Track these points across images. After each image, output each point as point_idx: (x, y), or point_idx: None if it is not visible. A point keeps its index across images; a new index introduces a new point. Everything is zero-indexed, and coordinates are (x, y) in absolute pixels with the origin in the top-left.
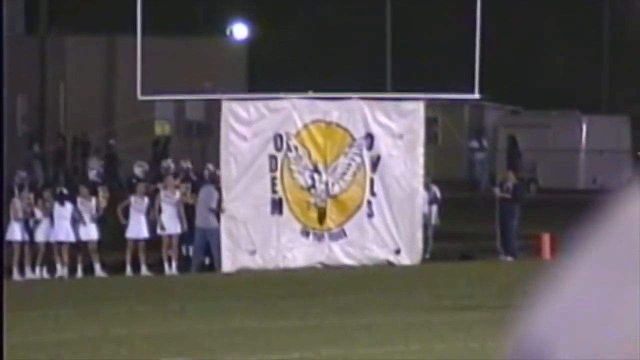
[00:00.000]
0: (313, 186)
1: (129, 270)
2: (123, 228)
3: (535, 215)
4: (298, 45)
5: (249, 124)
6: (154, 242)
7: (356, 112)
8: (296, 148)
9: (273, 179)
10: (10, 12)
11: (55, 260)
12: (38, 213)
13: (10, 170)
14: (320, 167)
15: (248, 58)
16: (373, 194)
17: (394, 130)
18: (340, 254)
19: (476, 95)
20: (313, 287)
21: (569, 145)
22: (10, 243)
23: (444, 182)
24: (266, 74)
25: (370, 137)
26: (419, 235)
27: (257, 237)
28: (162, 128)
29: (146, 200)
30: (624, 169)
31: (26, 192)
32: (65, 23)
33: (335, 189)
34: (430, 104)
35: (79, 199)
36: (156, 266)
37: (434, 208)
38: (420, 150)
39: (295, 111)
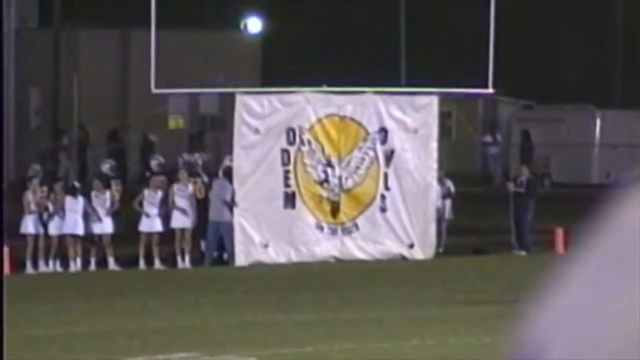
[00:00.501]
0: (326, 180)
1: (142, 263)
2: (136, 221)
3: (549, 209)
4: (312, 39)
5: (263, 118)
6: (167, 236)
7: (370, 106)
8: (309, 142)
9: (286, 172)
10: (23, 6)
11: (68, 254)
12: (51, 206)
13: (23, 163)
14: (334, 161)
15: (262, 52)
16: (387, 188)
17: (408, 125)
18: (353, 248)
19: (490, 90)
20: (326, 281)
21: (582, 139)
22: (24, 236)
23: (457, 177)
24: (280, 68)
25: (384, 131)
26: (433, 229)
27: (270, 230)
28: (175, 122)
29: (160, 193)
30: (638, 164)
31: (37, 185)
32: (79, 16)
33: (349, 183)
34: (444, 99)
35: (92, 193)
36: (169, 260)
37: (448, 202)
38: (434, 145)
39: (309, 105)
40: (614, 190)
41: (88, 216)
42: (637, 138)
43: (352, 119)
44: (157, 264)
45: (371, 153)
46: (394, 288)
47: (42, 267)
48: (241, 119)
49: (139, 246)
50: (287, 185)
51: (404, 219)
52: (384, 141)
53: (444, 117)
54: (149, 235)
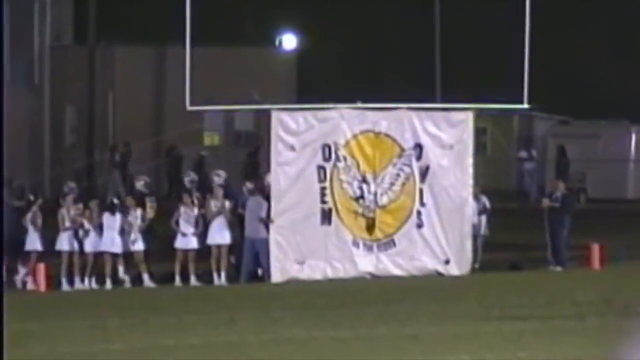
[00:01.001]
0: (362, 196)
1: (178, 280)
2: (172, 238)
3: (585, 225)
4: (347, 55)
5: (298, 134)
6: (203, 253)
7: (405, 122)
8: (345, 158)
9: (322, 189)
10: (58, 23)
11: (104, 272)
12: (86, 223)
13: (58, 180)
14: (369, 177)
15: (297, 68)
16: (422, 204)
17: (444, 141)
18: (389, 264)
19: (525, 106)
20: (362, 298)
21: (618, 155)
22: (59, 253)
23: (493, 193)
24: (315, 84)
25: (419, 147)
26: (468, 245)
27: (306, 247)
28: (211, 138)
29: (195, 210)
30: None
31: (71, 202)
32: (115, 33)
33: (384, 200)
34: (479, 114)
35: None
36: (205, 276)
37: (483, 218)
38: (470, 161)
39: (344, 121)
40: None
41: (124, 233)
42: None
43: (387, 135)
44: (193, 280)
45: (406, 169)
46: (430, 304)
47: (77, 284)
48: (277, 136)
49: (174, 263)
50: (323, 201)
51: (439, 235)
52: (419, 157)
53: (480, 133)
54: (185, 252)
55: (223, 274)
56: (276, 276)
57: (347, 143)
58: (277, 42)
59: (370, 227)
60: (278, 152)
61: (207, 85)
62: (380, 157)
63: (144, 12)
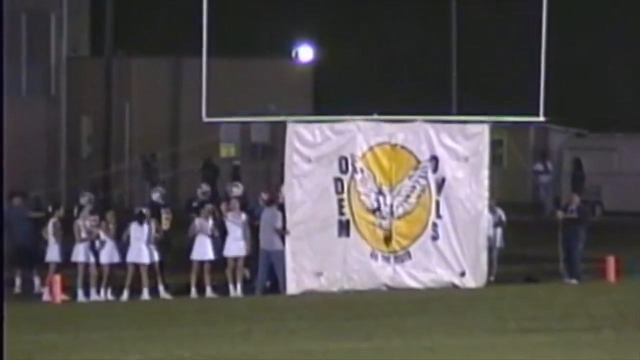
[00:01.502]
0: (378, 208)
1: (193, 292)
2: (188, 250)
3: (600, 238)
4: (363, 67)
5: (314, 147)
6: (219, 264)
7: (421, 134)
8: (362, 170)
9: (340, 200)
10: (75, 35)
11: (123, 283)
12: (102, 234)
13: (74, 191)
14: (385, 189)
15: (313, 80)
16: (438, 216)
17: (459, 153)
18: (405, 276)
19: (541, 118)
20: (378, 310)
21: (633, 167)
22: (75, 264)
23: (508, 205)
24: (331, 96)
25: (435, 159)
26: (484, 257)
27: (324, 259)
28: (227, 150)
29: (211, 222)
30: None
31: (87, 213)
32: (131, 44)
33: (400, 212)
34: (495, 127)
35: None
36: (221, 288)
37: (499, 231)
38: (485, 173)
39: (360, 133)
40: None
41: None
42: None
43: (403, 147)
44: (209, 292)
45: (422, 181)
46: (446, 316)
47: (93, 296)
48: (293, 148)
49: (190, 274)
50: (341, 213)
51: (455, 247)
52: (435, 169)
53: (495, 145)
54: (201, 263)
55: (239, 286)
56: (291, 288)
57: (364, 155)
58: (293, 54)
59: (388, 239)
60: (294, 164)
61: (224, 97)
62: (397, 170)
63: (161, 23)
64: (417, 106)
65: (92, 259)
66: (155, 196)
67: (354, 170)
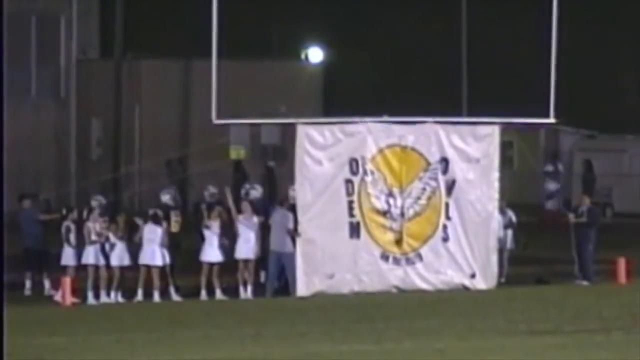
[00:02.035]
0: (389, 210)
1: (203, 294)
2: (198, 252)
3: (611, 239)
4: (373, 69)
5: (325, 148)
6: (229, 266)
7: (431, 136)
8: (372, 172)
9: (350, 202)
10: (84, 36)
11: (134, 285)
12: (112, 237)
13: (84, 194)
14: (396, 191)
15: (323, 82)
16: (448, 218)
17: (470, 155)
18: (415, 278)
19: (552, 120)
20: (388, 312)
21: None
22: (85, 267)
23: (519, 206)
24: (341, 98)
25: (445, 161)
26: (494, 259)
27: (334, 260)
28: (237, 152)
29: (219, 224)
30: None
31: (97, 215)
32: (141, 46)
33: (410, 213)
34: (505, 128)
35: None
36: (231, 290)
37: (509, 232)
38: (496, 175)
39: (371, 135)
40: None
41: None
42: None
43: (413, 149)
44: (219, 294)
45: (432, 183)
46: (456, 318)
47: (103, 298)
48: (303, 150)
49: (200, 276)
50: (351, 215)
51: (465, 249)
52: (445, 171)
53: (506, 147)
54: (210, 265)
55: (249, 288)
56: (302, 290)
57: (374, 157)
58: (303, 56)
59: (398, 241)
60: (304, 166)
61: (233, 99)
62: (407, 171)
63: (170, 25)
64: (427, 108)
65: (102, 262)
66: (165, 198)
67: (365, 172)
